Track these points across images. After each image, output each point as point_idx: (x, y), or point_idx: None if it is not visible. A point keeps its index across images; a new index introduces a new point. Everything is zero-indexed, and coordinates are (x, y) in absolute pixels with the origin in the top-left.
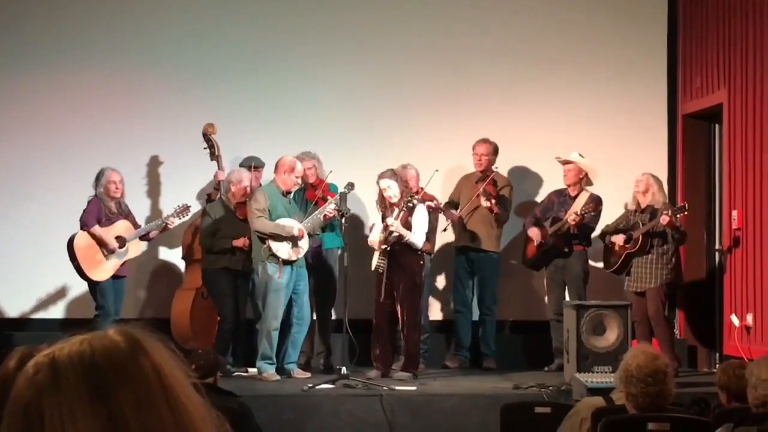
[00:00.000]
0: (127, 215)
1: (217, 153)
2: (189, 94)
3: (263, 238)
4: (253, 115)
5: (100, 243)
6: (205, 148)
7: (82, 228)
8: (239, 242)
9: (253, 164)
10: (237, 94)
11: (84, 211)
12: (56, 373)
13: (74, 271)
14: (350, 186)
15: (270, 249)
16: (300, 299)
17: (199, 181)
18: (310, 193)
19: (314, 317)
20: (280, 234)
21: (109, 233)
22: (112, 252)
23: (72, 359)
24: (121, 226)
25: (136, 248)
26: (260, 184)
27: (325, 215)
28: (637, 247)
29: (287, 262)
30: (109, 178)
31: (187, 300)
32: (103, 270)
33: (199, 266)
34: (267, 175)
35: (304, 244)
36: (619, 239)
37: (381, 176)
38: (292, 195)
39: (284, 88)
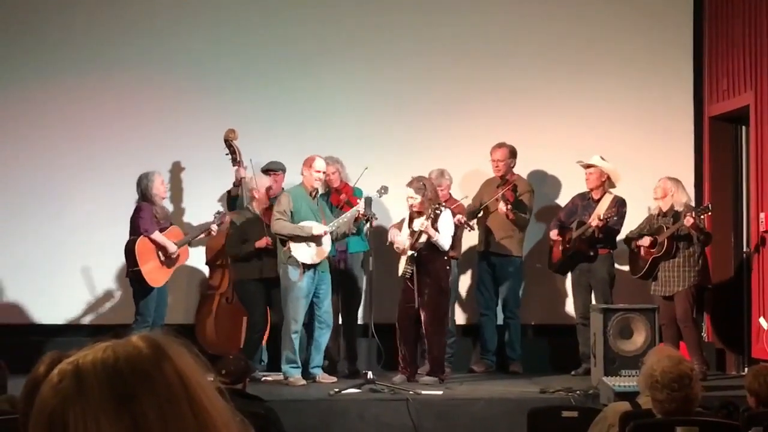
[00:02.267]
0: (170, 220)
1: (239, 159)
2: (211, 100)
3: (284, 240)
4: (273, 121)
5: (161, 249)
6: (226, 155)
7: (141, 234)
8: (261, 243)
9: (270, 168)
10: (259, 100)
11: (138, 216)
12: (80, 380)
13: (127, 276)
14: (384, 189)
15: (290, 251)
16: (322, 303)
17: (221, 187)
18: (334, 198)
19: (339, 321)
20: (299, 235)
21: (167, 239)
22: (171, 258)
23: (96, 366)
24: (173, 232)
25: (185, 254)
26: (282, 189)
27: (357, 218)
28: (663, 250)
29: (308, 266)
30: (159, 182)
31: (211, 305)
32: (161, 276)
33: (222, 271)
34: (292, 178)
35: (326, 248)
36: (645, 242)
37: (408, 185)
38: (317, 196)
39: (306, 95)
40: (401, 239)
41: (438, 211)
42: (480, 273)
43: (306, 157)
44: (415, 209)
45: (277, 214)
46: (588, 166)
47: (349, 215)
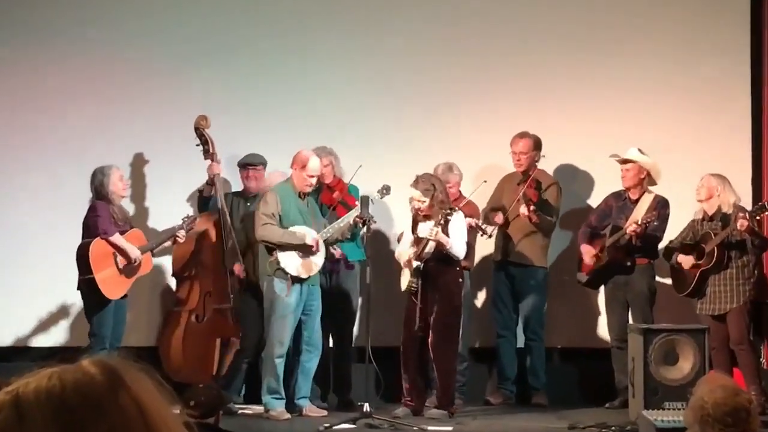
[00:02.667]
0: (130, 222)
1: (211, 151)
2: (181, 83)
3: (271, 248)
4: (253, 108)
5: (121, 254)
6: (197, 145)
7: (98, 235)
8: (237, 270)
9: (249, 162)
10: (236, 83)
11: (94, 216)
12: (21, 412)
13: (78, 289)
14: (385, 190)
15: (278, 262)
16: (311, 322)
17: (191, 185)
18: (326, 196)
19: (330, 344)
20: (290, 243)
21: (129, 243)
22: (131, 266)
23: (39, 396)
24: (134, 236)
25: (148, 263)
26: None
27: (350, 223)
28: (713, 262)
29: (297, 279)
30: (116, 177)
31: (179, 324)
32: (119, 286)
33: (192, 284)
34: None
35: (319, 259)
36: (687, 261)
37: (412, 184)
38: (307, 198)
39: (292, 79)
40: (402, 249)
41: (449, 216)
42: (497, 286)
43: (296, 153)
44: (422, 213)
45: (263, 217)
46: (624, 161)
47: (346, 220)
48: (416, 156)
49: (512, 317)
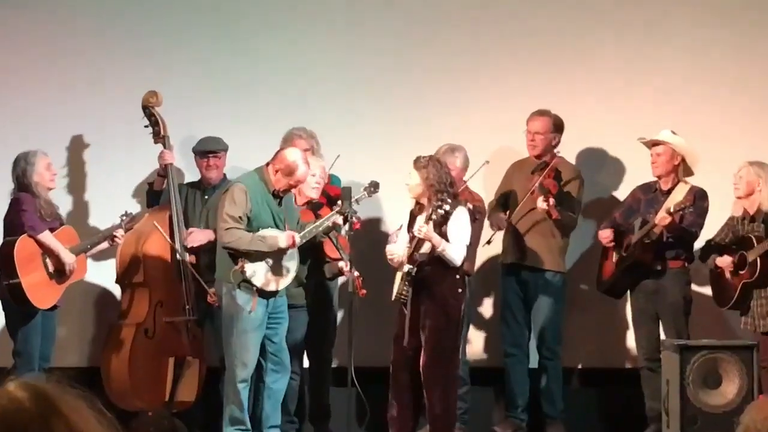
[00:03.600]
0: (60, 219)
1: (162, 132)
2: (125, 55)
3: (234, 255)
4: (212, 83)
5: (51, 256)
6: (146, 126)
7: (25, 232)
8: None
9: (209, 149)
10: (193, 54)
11: (18, 210)
12: None
13: (0, 297)
14: (373, 188)
15: (244, 272)
16: (278, 338)
17: (138, 171)
18: (306, 217)
19: (305, 363)
20: (259, 250)
21: (61, 243)
22: (63, 270)
23: None
24: (66, 235)
25: (82, 267)
26: (225, 175)
27: (333, 224)
28: (756, 274)
29: (266, 293)
30: (43, 165)
31: (125, 340)
32: (49, 294)
33: (134, 292)
34: (238, 162)
35: (292, 267)
36: (726, 263)
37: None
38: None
39: (259, 48)
40: (395, 247)
41: (441, 209)
42: (506, 295)
43: (280, 152)
44: (412, 197)
45: (228, 219)
46: (655, 144)
47: (326, 222)
48: (415, 144)
49: (523, 332)
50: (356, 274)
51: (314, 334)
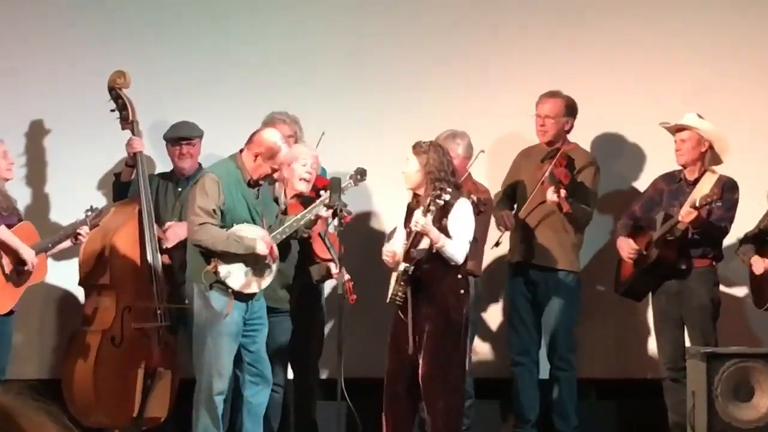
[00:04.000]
0: (18, 213)
1: (131, 117)
2: (91, 33)
3: (208, 254)
4: (185, 62)
5: (8, 254)
6: (113, 110)
7: None
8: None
9: (182, 136)
10: (164, 31)
11: None
12: None
13: None
14: (360, 174)
15: (218, 273)
16: (255, 346)
17: (104, 159)
18: (295, 210)
19: (290, 374)
20: (236, 252)
21: (19, 241)
22: (21, 271)
23: None
24: (24, 232)
25: (42, 268)
26: (200, 165)
27: (316, 217)
28: None
29: (242, 296)
30: None
31: (90, 349)
32: (4, 298)
33: (107, 295)
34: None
35: (273, 267)
36: (758, 264)
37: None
38: (259, 186)
39: (238, 25)
40: (391, 245)
41: (440, 199)
42: (513, 297)
43: (258, 133)
44: (409, 187)
45: (201, 214)
46: (679, 129)
47: (309, 215)
48: (402, 128)
49: (533, 338)
50: (347, 277)
51: (300, 342)
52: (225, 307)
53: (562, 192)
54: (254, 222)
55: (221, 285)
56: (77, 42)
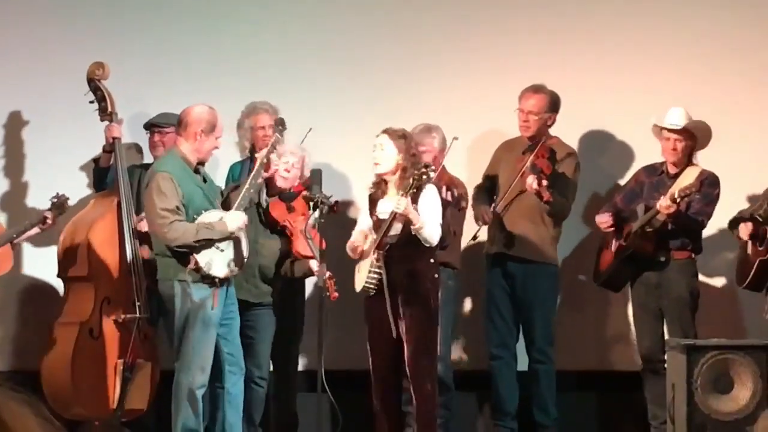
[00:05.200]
0: None
1: (110, 109)
2: (69, 22)
3: (182, 251)
4: (166, 52)
5: None
6: (92, 102)
7: None
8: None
9: (156, 123)
10: (143, 21)
11: None
12: None
13: None
14: (281, 125)
15: (199, 267)
16: (232, 335)
17: (84, 149)
18: (278, 210)
19: (271, 367)
20: (212, 238)
21: None
22: None
23: None
24: None
25: (7, 259)
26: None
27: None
28: None
29: (222, 281)
30: None
31: (67, 342)
32: None
33: (85, 287)
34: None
35: (244, 245)
36: (743, 232)
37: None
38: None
39: (219, 14)
40: (356, 238)
41: (425, 176)
42: (491, 289)
43: (187, 111)
44: (379, 172)
45: (167, 215)
46: (679, 131)
47: (255, 179)
48: (379, 118)
49: (511, 331)
50: (328, 274)
51: (279, 334)
52: (208, 300)
53: (543, 181)
54: (212, 206)
55: (207, 277)
56: (56, 33)
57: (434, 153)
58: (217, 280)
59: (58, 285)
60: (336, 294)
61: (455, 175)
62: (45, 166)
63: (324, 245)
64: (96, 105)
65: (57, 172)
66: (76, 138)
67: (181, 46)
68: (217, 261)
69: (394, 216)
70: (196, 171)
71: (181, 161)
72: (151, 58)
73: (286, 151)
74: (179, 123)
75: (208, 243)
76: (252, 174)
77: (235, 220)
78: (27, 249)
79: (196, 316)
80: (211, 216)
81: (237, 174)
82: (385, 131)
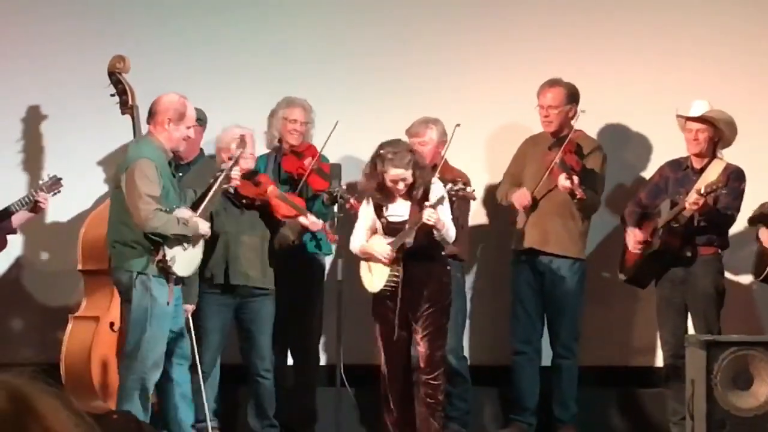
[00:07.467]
0: None
1: (131, 102)
2: (90, 14)
3: (153, 241)
4: (188, 45)
5: None
6: (113, 95)
7: None
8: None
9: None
10: (166, 13)
11: None
12: None
13: None
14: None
15: (166, 261)
16: (178, 327)
17: (104, 143)
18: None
19: (290, 361)
20: (186, 235)
21: None
22: None
23: None
24: None
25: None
26: (201, 151)
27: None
28: None
29: (178, 278)
30: None
31: (86, 334)
32: None
33: (106, 280)
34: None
35: (198, 249)
36: (765, 236)
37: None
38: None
39: (243, 6)
40: (360, 240)
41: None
42: (517, 285)
43: (160, 99)
44: (399, 191)
45: (152, 201)
46: (701, 120)
47: (222, 175)
48: (400, 114)
49: (536, 327)
50: (321, 222)
51: (298, 329)
52: (165, 296)
53: (575, 179)
54: (182, 203)
55: (165, 273)
56: (76, 27)
57: (432, 145)
58: (174, 276)
59: (73, 277)
60: (336, 237)
61: (463, 170)
62: (64, 161)
63: (331, 236)
64: (117, 98)
65: (76, 166)
66: (95, 132)
67: (201, 40)
68: (180, 259)
69: (419, 225)
70: (169, 163)
71: (158, 150)
72: (171, 52)
73: (227, 136)
74: (149, 111)
75: (181, 239)
76: (214, 189)
77: (203, 224)
78: (46, 242)
79: (154, 312)
80: (184, 213)
81: (262, 168)
82: (426, 121)
